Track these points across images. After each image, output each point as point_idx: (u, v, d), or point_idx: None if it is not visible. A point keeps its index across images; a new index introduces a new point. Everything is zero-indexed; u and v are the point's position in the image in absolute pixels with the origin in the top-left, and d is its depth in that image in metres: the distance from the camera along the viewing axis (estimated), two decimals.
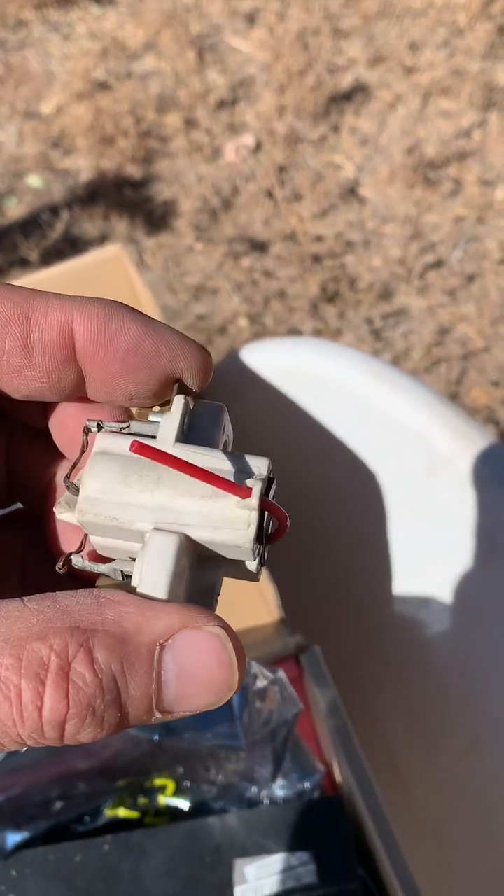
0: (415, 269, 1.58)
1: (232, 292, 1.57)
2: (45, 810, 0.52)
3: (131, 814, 0.53)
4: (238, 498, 0.21)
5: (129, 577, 0.23)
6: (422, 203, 1.67)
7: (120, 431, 0.23)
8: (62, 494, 0.24)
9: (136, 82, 1.91)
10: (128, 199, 1.72)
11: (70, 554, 0.23)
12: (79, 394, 0.24)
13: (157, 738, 0.51)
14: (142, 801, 0.53)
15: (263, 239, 1.64)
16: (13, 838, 0.52)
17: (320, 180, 1.72)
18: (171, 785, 0.53)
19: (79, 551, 0.23)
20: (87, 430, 0.23)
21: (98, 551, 0.23)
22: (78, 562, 0.23)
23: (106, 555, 0.23)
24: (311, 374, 0.75)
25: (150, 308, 0.78)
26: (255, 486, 0.21)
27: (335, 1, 2.02)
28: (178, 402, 0.23)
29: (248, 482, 0.21)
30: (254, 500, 0.21)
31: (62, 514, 0.23)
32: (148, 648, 0.19)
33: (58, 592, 0.20)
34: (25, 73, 1.95)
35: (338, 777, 0.57)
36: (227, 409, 0.24)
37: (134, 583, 0.21)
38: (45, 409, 0.25)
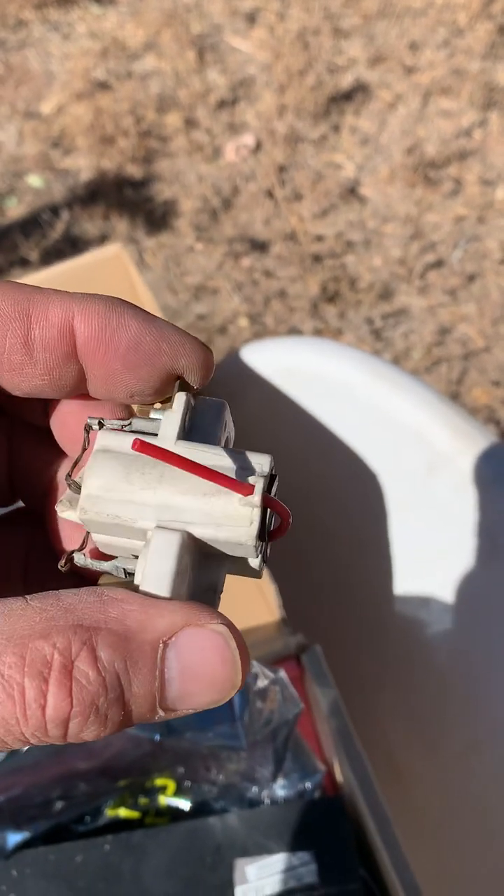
0: (415, 268, 1.58)
1: (232, 292, 1.56)
2: (46, 810, 0.52)
3: (132, 814, 0.53)
4: (240, 495, 0.21)
5: (131, 574, 0.23)
6: (422, 203, 1.66)
7: (121, 429, 0.23)
8: (64, 492, 0.24)
9: (136, 82, 1.91)
10: (128, 198, 1.72)
11: (72, 552, 0.23)
12: (80, 391, 0.24)
13: (157, 737, 0.51)
14: (143, 801, 0.53)
15: (264, 239, 1.64)
16: (14, 838, 0.52)
17: (320, 180, 1.72)
18: (171, 785, 0.53)
19: (81, 549, 0.23)
20: (88, 428, 0.23)
21: (100, 549, 0.23)
22: (80, 559, 0.23)
23: (108, 552, 0.23)
24: (312, 373, 0.75)
25: (150, 308, 0.78)
26: (258, 483, 0.21)
27: (335, 1, 2.02)
28: (180, 399, 0.23)
29: (250, 479, 0.21)
30: (256, 498, 0.21)
31: (64, 513, 0.23)
32: (151, 646, 0.19)
33: (61, 591, 0.20)
34: (25, 73, 1.95)
35: (339, 777, 0.57)
36: (228, 405, 0.24)
37: (136, 581, 0.21)
38: (46, 406, 0.25)
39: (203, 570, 0.22)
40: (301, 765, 0.54)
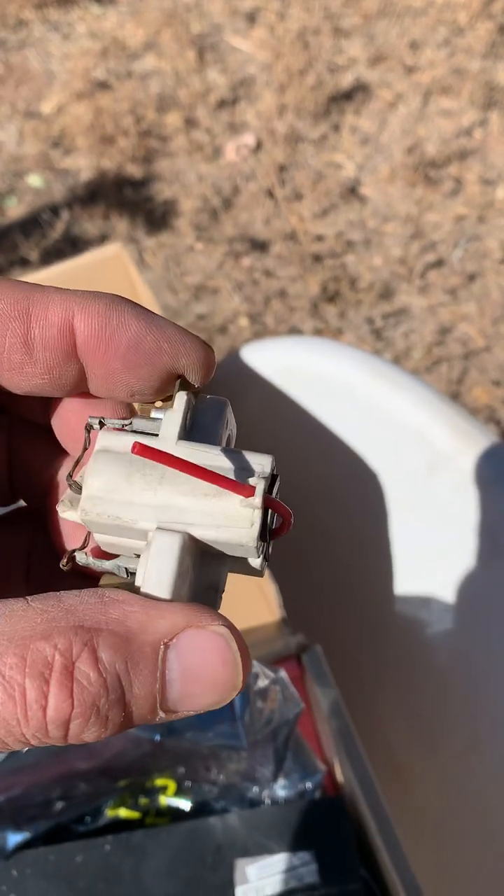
0: (416, 268, 1.58)
1: (232, 292, 1.56)
2: (46, 810, 0.52)
3: (132, 814, 0.53)
4: (241, 496, 0.21)
5: (133, 573, 0.23)
6: (422, 202, 1.66)
7: (122, 428, 0.23)
8: (65, 492, 0.24)
9: (136, 82, 1.91)
10: (128, 198, 1.72)
11: (74, 551, 0.23)
12: (80, 389, 0.23)
13: (158, 738, 0.51)
14: (143, 801, 0.53)
15: (264, 238, 1.64)
16: (14, 838, 0.52)
17: (321, 180, 1.72)
18: (172, 785, 0.53)
19: (83, 548, 0.23)
20: (89, 427, 0.23)
21: (102, 548, 0.23)
22: (82, 559, 0.23)
23: (110, 551, 0.23)
24: (312, 373, 0.75)
25: (150, 308, 0.78)
26: (259, 485, 0.21)
27: (335, 0, 2.02)
28: (181, 398, 0.22)
29: (251, 480, 0.21)
30: (257, 499, 0.21)
31: (65, 513, 0.23)
32: (152, 647, 0.19)
33: (62, 592, 0.20)
34: (26, 73, 1.95)
35: (339, 777, 0.56)
36: (229, 403, 0.23)
37: (137, 582, 0.21)
38: (47, 404, 0.25)
39: (204, 569, 0.22)
40: (301, 765, 0.54)
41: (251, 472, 0.21)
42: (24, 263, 1.61)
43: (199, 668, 0.19)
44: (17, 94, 1.91)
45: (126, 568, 0.23)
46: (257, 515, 0.21)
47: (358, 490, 0.75)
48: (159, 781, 0.53)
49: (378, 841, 0.52)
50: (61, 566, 0.23)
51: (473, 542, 0.66)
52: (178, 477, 0.21)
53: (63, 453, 0.26)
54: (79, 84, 1.88)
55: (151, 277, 1.58)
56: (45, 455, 0.26)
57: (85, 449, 0.23)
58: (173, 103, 1.86)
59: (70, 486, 0.23)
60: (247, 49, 1.95)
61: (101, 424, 0.23)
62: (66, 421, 0.24)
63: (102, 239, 1.66)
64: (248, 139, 1.79)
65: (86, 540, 0.23)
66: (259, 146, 1.78)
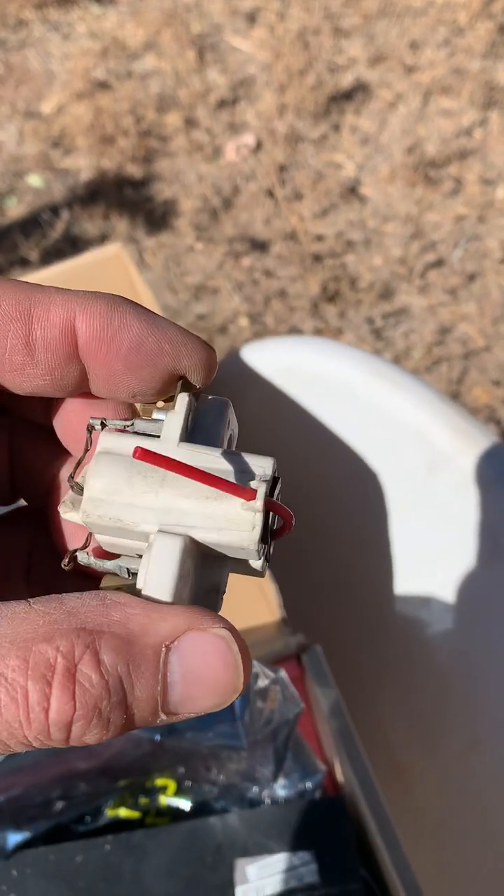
0: (416, 268, 1.58)
1: (232, 292, 1.56)
2: (46, 810, 0.52)
3: (132, 814, 0.53)
4: (243, 500, 0.21)
5: (134, 574, 0.23)
6: (423, 202, 1.66)
7: (124, 429, 0.23)
8: (66, 492, 0.24)
9: (136, 82, 1.91)
10: (128, 198, 1.72)
11: (75, 551, 0.23)
12: (82, 390, 0.23)
13: (158, 737, 0.51)
14: (143, 801, 0.53)
15: (264, 238, 1.64)
16: (14, 838, 0.52)
17: (321, 179, 1.72)
18: (172, 785, 0.53)
19: (84, 548, 0.23)
20: (90, 428, 0.23)
21: (104, 548, 0.23)
22: (83, 558, 0.23)
23: (112, 551, 0.23)
24: (312, 372, 0.75)
25: (150, 308, 0.78)
26: (260, 488, 0.21)
27: (335, 0, 2.02)
28: (182, 400, 0.22)
29: (253, 483, 0.21)
30: (258, 503, 0.21)
31: (66, 514, 0.23)
32: (154, 650, 0.19)
33: (63, 594, 0.20)
34: (26, 73, 1.95)
35: (339, 777, 0.56)
36: (231, 403, 0.23)
37: (139, 585, 0.21)
38: (49, 404, 0.25)
39: (205, 570, 0.22)
40: (302, 765, 0.54)
41: (252, 475, 0.21)
42: (24, 263, 1.61)
43: (201, 671, 0.19)
44: (17, 94, 1.91)
45: (128, 568, 0.23)
46: (258, 519, 0.21)
47: (358, 490, 0.75)
48: (159, 781, 0.53)
49: (378, 841, 0.52)
50: (63, 566, 0.23)
51: (473, 542, 0.66)
52: (179, 479, 0.21)
53: (64, 453, 0.26)
54: (79, 84, 1.88)
55: (151, 277, 1.58)
56: (47, 455, 0.26)
57: (86, 450, 0.23)
58: (173, 103, 1.86)
59: (72, 487, 0.23)
60: (247, 49, 1.95)
61: (103, 425, 0.23)
62: (68, 421, 0.24)
63: (102, 239, 1.66)
64: (248, 139, 1.79)
65: (87, 540, 0.23)
66: (259, 146, 1.78)
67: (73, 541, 0.25)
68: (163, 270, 1.60)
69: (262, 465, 0.22)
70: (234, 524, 0.21)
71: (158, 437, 0.22)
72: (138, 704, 0.19)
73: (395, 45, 1.92)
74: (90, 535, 0.23)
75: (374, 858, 0.52)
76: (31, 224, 1.69)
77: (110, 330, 0.22)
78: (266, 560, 0.22)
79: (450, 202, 1.67)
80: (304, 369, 0.75)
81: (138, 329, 0.22)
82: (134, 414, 0.24)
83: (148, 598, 0.20)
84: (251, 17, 2.02)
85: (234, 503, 0.21)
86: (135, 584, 0.21)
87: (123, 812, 0.53)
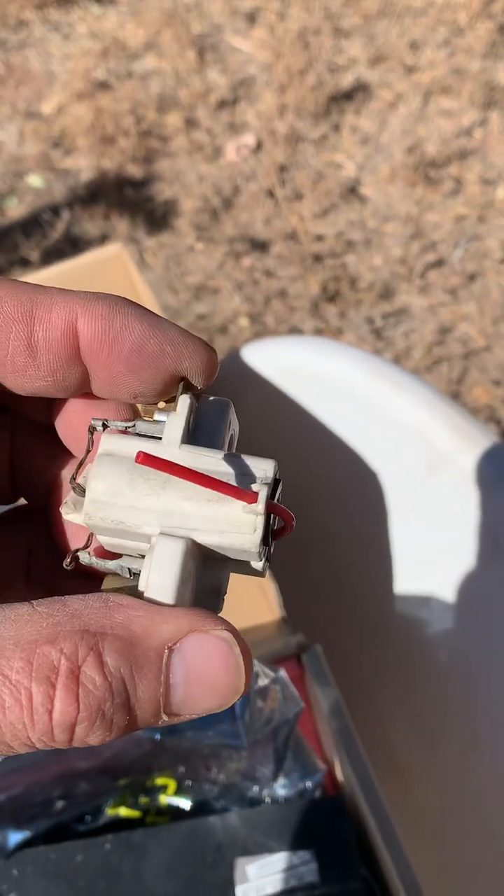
0: (416, 268, 1.58)
1: (233, 292, 1.57)
2: (47, 809, 0.52)
3: (133, 813, 0.53)
4: (244, 503, 0.21)
5: (136, 574, 0.23)
6: (423, 202, 1.66)
7: (125, 430, 0.23)
8: (67, 493, 0.24)
9: (136, 82, 1.91)
10: (128, 198, 1.72)
11: (77, 550, 0.23)
12: (84, 390, 0.23)
13: (158, 737, 0.51)
14: (143, 800, 0.53)
15: (264, 238, 1.64)
16: (15, 837, 0.52)
17: (321, 180, 1.72)
18: (172, 784, 0.53)
19: (86, 547, 0.23)
20: (92, 429, 0.23)
21: (106, 547, 0.23)
22: (85, 558, 0.23)
23: (114, 551, 0.23)
24: (312, 372, 0.75)
25: (151, 308, 0.78)
26: (261, 492, 0.21)
27: (335, 0, 2.02)
28: (184, 402, 0.23)
29: (254, 487, 0.21)
30: (259, 506, 0.21)
31: (68, 515, 0.23)
32: (156, 652, 0.19)
33: (66, 596, 0.20)
34: (26, 73, 1.95)
35: (339, 776, 0.57)
36: (232, 403, 0.24)
37: (141, 587, 0.21)
38: (50, 404, 0.25)
39: (207, 571, 0.22)
40: (302, 764, 0.54)
41: (254, 478, 0.22)
42: (25, 264, 1.61)
43: (203, 672, 0.19)
44: (18, 94, 1.91)
45: (129, 568, 0.23)
46: (260, 522, 0.21)
47: (358, 490, 0.75)
48: (159, 780, 0.53)
49: (378, 840, 0.52)
50: (65, 566, 0.23)
51: (473, 542, 0.66)
52: (181, 482, 0.21)
53: (65, 453, 0.26)
54: (79, 84, 1.88)
55: (152, 277, 1.58)
56: (48, 454, 0.26)
57: (88, 451, 0.23)
58: (174, 103, 1.86)
59: (73, 488, 0.23)
60: (247, 49, 1.95)
61: (104, 426, 0.23)
62: (70, 421, 0.25)
63: (103, 239, 1.66)
64: (249, 139, 1.79)
65: (89, 539, 0.23)
66: (259, 146, 1.78)
67: (74, 540, 0.25)
68: (163, 270, 1.60)
69: (263, 468, 0.22)
70: (236, 527, 0.21)
71: (160, 438, 0.22)
72: (141, 706, 0.19)
73: (395, 46, 1.92)
74: (91, 534, 0.23)
75: (374, 857, 0.53)
76: (32, 224, 1.69)
77: (112, 332, 0.22)
78: (267, 560, 0.22)
79: (450, 202, 1.67)
80: (304, 369, 0.75)
81: (140, 331, 0.22)
82: (136, 414, 0.24)
83: (150, 601, 0.20)
84: (251, 18, 2.02)
85: (236, 506, 0.21)
86: (136, 585, 0.21)
87: (124, 811, 0.53)
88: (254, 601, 0.65)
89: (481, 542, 0.66)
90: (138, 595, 0.21)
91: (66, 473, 0.25)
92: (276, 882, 0.50)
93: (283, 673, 0.52)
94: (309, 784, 0.54)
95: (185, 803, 0.53)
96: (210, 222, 1.67)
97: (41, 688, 0.18)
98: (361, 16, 1.98)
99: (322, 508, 0.79)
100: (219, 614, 0.22)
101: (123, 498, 0.21)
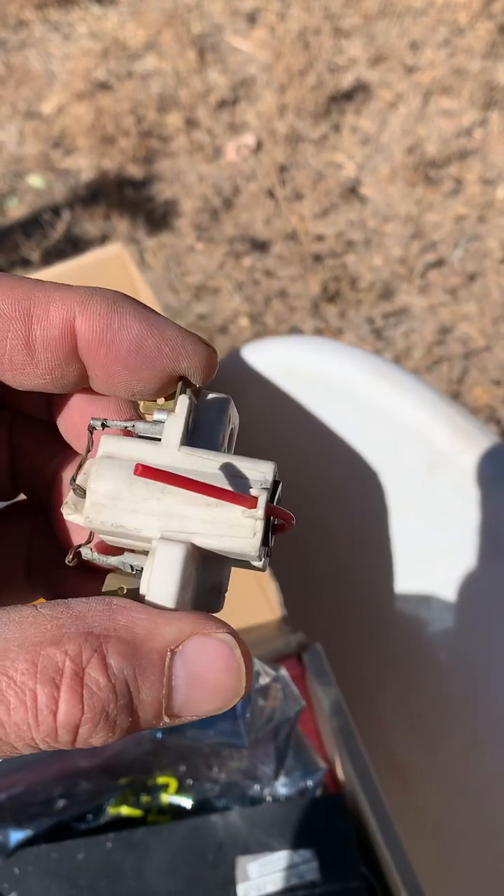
0: (416, 268, 1.58)
1: (233, 292, 1.57)
2: (48, 808, 0.53)
3: (134, 812, 0.53)
4: (244, 507, 0.21)
5: (138, 570, 0.23)
6: (423, 202, 1.67)
7: (125, 431, 0.23)
8: (68, 492, 0.24)
9: (136, 82, 1.91)
10: (129, 198, 1.72)
11: (79, 546, 0.23)
12: (82, 386, 0.23)
13: (159, 736, 0.51)
14: (144, 799, 0.53)
15: (264, 238, 1.64)
16: (16, 836, 0.52)
17: (321, 180, 1.72)
18: (173, 783, 0.54)
19: (87, 543, 0.23)
20: (91, 429, 0.23)
21: (107, 543, 0.23)
22: (87, 554, 0.23)
23: (116, 546, 0.23)
24: (312, 372, 0.75)
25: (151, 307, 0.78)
26: (261, 497, 0.21)
27: (336, 0, 2.02)
28: (182, 402, 0.23)
29: (253, 491, 0.21)
30: (259, 511, 0.21)
31: (69, 516, 0.23)
32: (159, 654, 0.19)
33: (70, 599, 0.20)
34: (26, 73, 1.95)
35: (340, 775, 0.57)
36: (232, 400, 0.24)
37: (142, 591, 0.21)
38: (49, 400, 0.25)
39: (207, 570, 0.22)
40: (302, 762, 0.54)
41: (254, 481, 0.22)
42: (26, 264, 1.62)
43: (204, 675, 0.20)
44: (18, 94, 1.91)
45: (132, 565, 0.23)
46: (259, 526, 0.21)
47: (358, 490, 0.76)
48: (161, 779, 0.54)
49: (378, 838, 0.52)
50: (67, 562, 0.23)
51: (473, 542, 0.67)
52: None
53: (65, 448, 0.26)
54: (79, 84, 1.89)
55: (152, 277, 1.59)
56: (48, 450, 0.26)
57: (88, 450, 0.23)
58: (174, 103, 1.86)
59: (73, 489, 0.23)
60: (247, 49, 1.95)
61: (104, 426, 0.23)
62: (69, 417, 0.25)
63: (103, 239, 1.66)
64: (249, 139, 1.79)
65: (90, 535, 0.24)
66: (259, 146, 1.78)
67: (75, 535, 0.25)
68: (163, 270, 1.60)
69: (262, 470, 0.22)
70: (236, 531, 0.21)
71: (160, 439, 0.22)
72: (143, 707, 0.19)
73: (395, 46, 1.92)
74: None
75: (375, 856, 0.53)
76: (32, 224, 1.69)
77: (110, 331, 0.22)
78: (267, 556, 0.22)
79: (450, 202, 1.67)
80: (305, 369, 0.75)
81: (138, 330, 0.22)
82: (135, 410, 0.24)
83: (151, 605, 0.21)
84: (251, 18, 2.02)
85: (236, 510, 0.21)
86: (138, 587, 0.22)
87: (125, 810, 0.53)
88: (254, 600, 0.66)
89: (481, 542, 0.66)
90: (140, 599, 0.21)
91: (67, 470, 0.25)
92: (276, 880, 0.50)
93: (283, 672, 0.52)
94: (310, 783, 0.54)
95: (186, 802, 0.54)
96: (210, 222, 1.67)
97: (46, 689, 0.18)
98: (361, 16, 1.98)
99: (322, 508, 0.79)
100: (220, 613, 0.22)
101: (123, 501, 0.22)
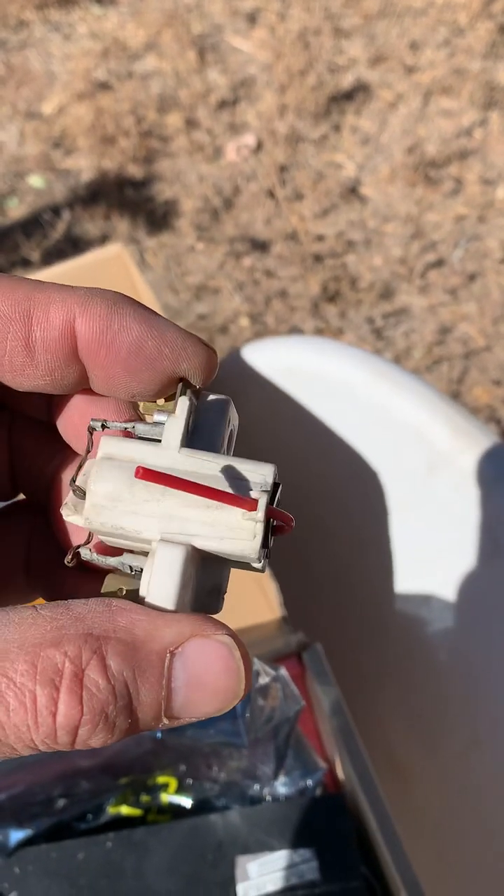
0: (416, 268, 1.58)
1: (233, 292, 1.57)
2: (48, 808, 0.53)
3: (134, 811, 0.53)
4: (244, 510, 0.21)
5: (138, 571, 0.23)
6: (423, 202, 1.67)
7: (125, 432, 0.23)
8: (67, 493, 0.24)
9: (137, 82, 1.91)
10: (129, 198, 1.72)
11: (78, 547, 0.23)
12: (82, 386, 0.23)
13: (159, 735, 0.51)
14: (144, 798, 0.54)
15: (265, 238, 1.64)
16: (16, 836, 0.52)
17: (321, 180, 1.72)
18: (173, 782, 0.54)
19: (87, 544, 0.23)
20: (91, 430, 0.23)
21: (107, 544, 0.23)
22: (86, 555, 0.23)
23: (115, 546, 0.23)
24: (313, 372, 0.75)
25: (151, 308, 0.78)
26: (261, 499, 0.21)
27: (336, 0, 2.02)
28: (182, 404, 0.23)
29: (253, 493, 0.21)
30: (259, 514, 0.21)
31: (69, 517, 0.23)
32: (158, 656, 0.19)
33: (70, 600, 0.20)
34: (27, 74, 1.95)
35: (340, 774, 0.57)
36: (232, 401, 0.24)
37: (142, 593, 0.21)
38: (49, 400, 0.25)
39: (207, 571, 0.22)
40: (302, 762, 0.54)
41: (254, 483, 0.22)
42: (26, 264, 1.62)
43: (203, 676, 0.20)
44: (18, 94, 1.91)
45: (131, 565, 0.23)
46: (259, 528, 0.21)
47: (358, 490, 0.76)
48: (161, 779, 0.54)
49: (378, 838, 0.52)
50: (66, 562, 0.23)
51: (473, 542, 0.67)
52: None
53: (65, 448, 0.26)
54: (80, 84, 1.89)
55: (152, 278, 1.59)
56: (47, 451, 0.26)
57: (87, 451, 0.23)
58: (174, 104, 1.86)
59: (73, 490, 0.23)
60: (247, 49, 1.95)
61: (104, 427, 0.23)
62: (69, 418, 0.25)
63: (103, 239, 1.66)
64: (249, 139, 1.79)
65: (90, 536, 0.24)
66: (260, 146, 1.78)
67: (74, 535, 0.25)
68: (164, 271, 1.61)
69: (262, 473, 0.22)
70: (236, 533, 0.21)
71: (160, 441, 0.22)
72: (143, 709, 0.19)
73: (395, 46, 1.92)
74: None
75: (375, 855, 0.53)
76: (33, 224, 1.69)
77: (110, 333, 0.22)
78: (266, 557, 0.22)
79: (450, 202, 1.67)
80: (305, 369, 0.76)
81: (138, 332, 0.22)
82: (135, 411, 0.24)
83: (151, 607, 0.21)
84: (252, 18, 2.02)
85: (236, 512, 0.21)
86: (137, 588, 0.22)
87: (125, 810, 0.53)
88: (254, 600, 0.66)
89: (481, 542, 0.66)
90: (139, 600, 0.21)
91: (67, 471, 0.26)
92: (276, 880, 0.50)
93: (283, 671, 0.52)
94: (309, 782, 0.54)
95: (186, 801, 0.54)
96: (210, 222, 1.67)
97: (45, 690, 0.18)
98: (361, 16, 1.98)
99: (322, 508, 0.79)
100: (219, 613, 0.22)
101: (123, 503, 0.22)
